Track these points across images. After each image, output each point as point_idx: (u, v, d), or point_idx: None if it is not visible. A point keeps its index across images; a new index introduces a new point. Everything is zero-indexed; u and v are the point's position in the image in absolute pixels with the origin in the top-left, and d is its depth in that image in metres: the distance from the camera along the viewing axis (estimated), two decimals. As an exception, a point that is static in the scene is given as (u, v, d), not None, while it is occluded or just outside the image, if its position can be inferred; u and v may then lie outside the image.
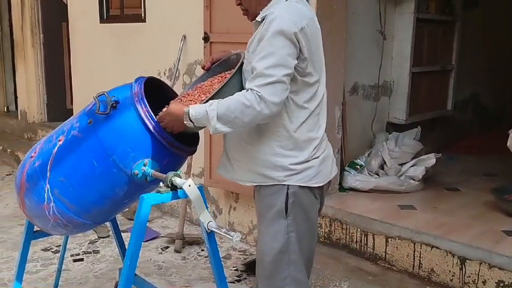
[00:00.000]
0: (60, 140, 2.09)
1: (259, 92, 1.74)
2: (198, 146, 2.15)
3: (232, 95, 1.83)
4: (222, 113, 1.77)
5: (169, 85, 2.84)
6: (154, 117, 1.95)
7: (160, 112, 1.95)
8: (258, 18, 1.89)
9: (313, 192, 1.94)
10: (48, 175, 2.07)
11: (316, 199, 1.98)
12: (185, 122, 1.85)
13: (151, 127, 1.94)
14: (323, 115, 1.99)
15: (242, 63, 1.91)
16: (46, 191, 2.07)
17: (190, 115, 1.82)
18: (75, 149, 2.04)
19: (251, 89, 1.76)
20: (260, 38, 1.82)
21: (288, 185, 1.89)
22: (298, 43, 1.79)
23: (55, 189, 2.06)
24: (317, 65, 1.89)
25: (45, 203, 2.08)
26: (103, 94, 1.98)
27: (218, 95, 1.84)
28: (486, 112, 5.88)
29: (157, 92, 2.14)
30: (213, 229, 1.88)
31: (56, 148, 2.08)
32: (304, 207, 1.93)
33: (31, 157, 2.18)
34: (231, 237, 1.77)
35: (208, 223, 1.90)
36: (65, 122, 2.21)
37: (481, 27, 5.38)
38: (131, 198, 2.13)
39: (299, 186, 1.90)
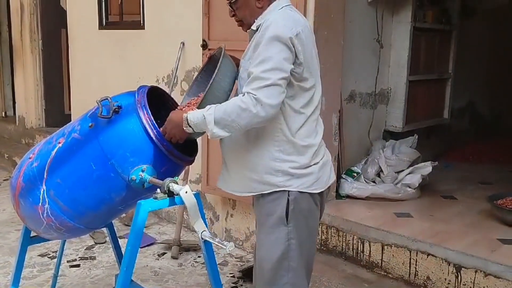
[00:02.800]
0: (60, 142, 2.10)
1: (255, 95, 1.76)
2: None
3: (224, 88, 1.86)
4: (219, 117, 1.79)
5: (167, 91, 2.86)
6: (155, 124, 1.97)
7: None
8: (253, 27, 1.92)
9: (313, 198, 1.95)
10: (45, 176, 2.08)
11: (316, 205, 1.99)
12: (184, 128, 1.87)
13: (151, 133, 1.96)
14: (320, 121, 2.01)
15: (225, 55, 1.94)
16: (42, 192, 2.07)
17: (189, 121, 1.85)
18: (74, 151, 2.06)
19: (247, 92, 1.78)
20: (256, 45, 1.84)
21: (288, 191, 1.90)
22: (294, 48, 1.81)
23: (51, 190, 2.07)
24: (313, 71, 1.91)
25: (40, 204, 2.09)
26: (106, 99, 2.01)
27: (210, 95, 1.87)
28: (483, 121, 5.91)
29: (159, 102, 2.16)
30: (207, 239, 1.89)
31: (55, 149, 2.09)
32: (305, 213, 1.94)
33: (30, 158, 2.19)
34: (224, 247, 1.78)
35: (202, 232, 1.90)
36: (66, 125, 2.22)
37: (478, 36, 5.42)
38: (126, 204, 2.14)
39: (300, 192, 1.90)
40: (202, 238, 1.91)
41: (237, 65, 2.05)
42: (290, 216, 1.90)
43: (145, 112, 1.98)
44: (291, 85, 1.85)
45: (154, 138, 1.96)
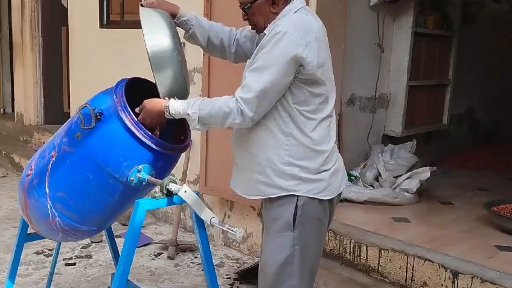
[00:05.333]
0: (53, 156, 2.07)
1: (242, 106, 1.77)
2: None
3: (168, 54, 1.97)
4: (203, 117, 1.83)
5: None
6: (140, 124, 1.93)
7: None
8: (266, 31, 1.88)
9: (322, 205, 1.92)
10: (47, 192, 2.07)
11: (325, 212, 1.95)
12: (166, 116, 1.89)
13: (139, 134, 1.91)
14: (333, 126, 1.97)
15: (146, 21, 2.04)
16: (48, 208, 2.07)
17: (170, 112, 1.87)
18: (69, 164, 2.04)
19: (236, 99, 1.78)
20: (260, 48, 1.82)
21: (297, 196, 1.87)
22: (302, 59, 1.76)
23: (57, 204, 2.07)
24: (326, 76, 1.87)
25: (50, 218, 2.10)
26: (86, 106, 1.95)
27: (158, 67, 1.97)
28: (481, 127, 5.92)
29: (143, 87, 2.11)
30: (216, 225, 1.84)
31: (50, 164, 2.07)
32: (312, 220, 1.91)
33: (28, 174, 2.17)
34: (234, 233, 1.75)
35: (211, 219, 1.86)
36: (55, 134, 2.18)
37: (478, 43, 5.43)
38: (132, 201, 2.12)
39: (309, 197, 1.87)
40: (211, 225, 1.87)
41: (172, 13, 2.15)
42: (297, 221, 1.87)
43: (126, 114, 1.92)
44: (301, 90, 1.83)
45: (142, 139, 1.91)
